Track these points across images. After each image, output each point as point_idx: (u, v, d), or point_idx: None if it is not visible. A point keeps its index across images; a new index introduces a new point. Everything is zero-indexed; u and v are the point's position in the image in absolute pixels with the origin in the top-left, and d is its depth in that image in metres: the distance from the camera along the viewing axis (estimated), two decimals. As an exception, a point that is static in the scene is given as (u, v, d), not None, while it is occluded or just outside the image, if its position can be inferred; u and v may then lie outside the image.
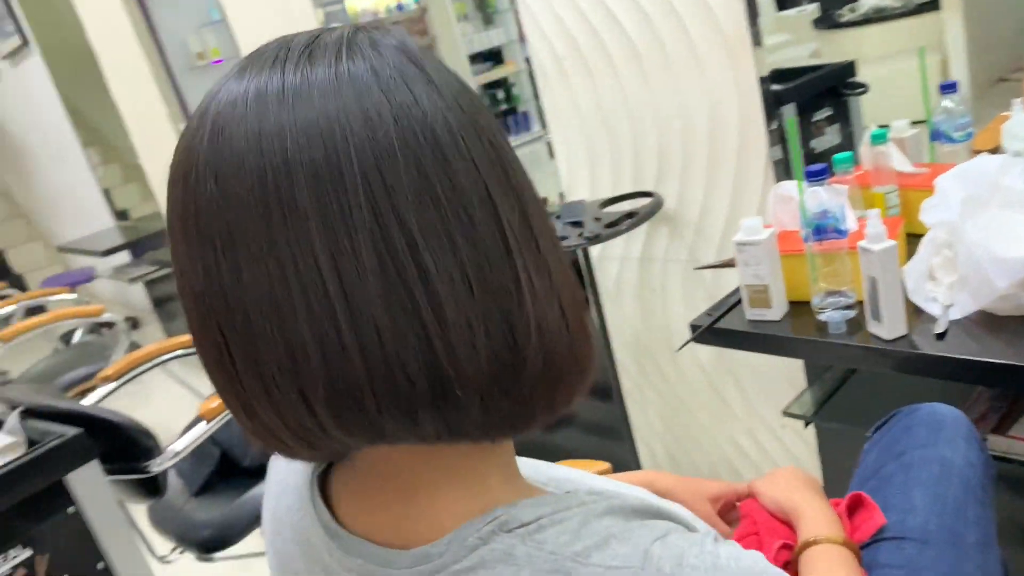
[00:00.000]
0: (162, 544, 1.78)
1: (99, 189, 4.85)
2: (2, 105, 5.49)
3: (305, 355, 0.40)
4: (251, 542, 1.73)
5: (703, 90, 1.59)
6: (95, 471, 1.44)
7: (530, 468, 0.60)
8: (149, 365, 2.14)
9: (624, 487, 0.63)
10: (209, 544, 1.69)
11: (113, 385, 2.04)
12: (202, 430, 1.61)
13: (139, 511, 1.86)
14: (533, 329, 0.43)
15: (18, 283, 5.67)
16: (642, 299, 1.93)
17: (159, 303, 4.79)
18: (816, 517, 0.74)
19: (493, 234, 0.42)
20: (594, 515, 0.44)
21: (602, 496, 0.46)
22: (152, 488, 1.66)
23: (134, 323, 5.26)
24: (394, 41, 0.44)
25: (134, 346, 2.98)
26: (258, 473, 1.77)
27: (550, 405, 0.46)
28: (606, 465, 1.00)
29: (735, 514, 0.86)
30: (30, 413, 1.57)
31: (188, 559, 1.72)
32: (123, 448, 1.59)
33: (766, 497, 0.80)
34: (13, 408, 1.68)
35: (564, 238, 1.65)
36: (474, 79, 3.07)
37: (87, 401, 1.93)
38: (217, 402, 1.63)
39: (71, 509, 1.43)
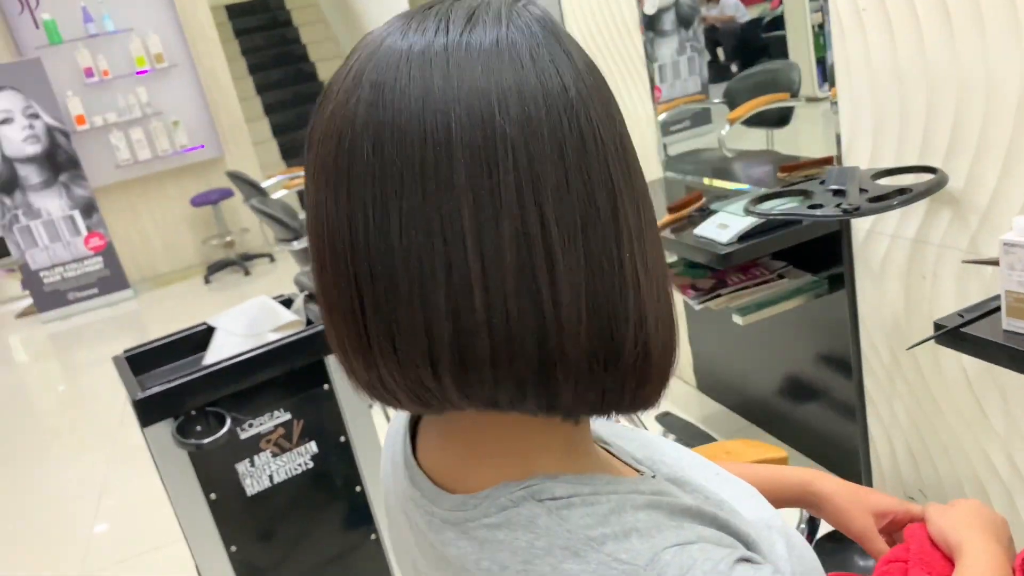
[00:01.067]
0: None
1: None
2: None
3: (440, 323, 0.42)
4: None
5: (1021, 60, 1.37)
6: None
7: (637, 443, 0.60)
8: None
9: (729, 486, 0.60)
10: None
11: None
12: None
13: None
14: (633, 323, 0.44)
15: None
16: (908, 284, 1.75)
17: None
18: (978, 560, 0.66)
19: (613, 227, 0.43)
20: (631, 505, 0.44)
21: (664, 492, 0.46)
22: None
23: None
24: (539, 11, 0.45)
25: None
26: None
27: (637, 395, 0.46)
28: (781, 453, 0.96)
29: (901, 535, 0.79)
30: (313, 298, 1.83)
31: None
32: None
33: (934, 526, 0.73)
34: (302, 291, 1.96)
35: (818, 206, 1.53)
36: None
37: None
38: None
39: (326, 386, 1.66)
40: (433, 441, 0.53)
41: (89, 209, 5.90)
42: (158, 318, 5.51)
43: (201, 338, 1.78)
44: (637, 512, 0.44)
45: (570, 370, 0.43)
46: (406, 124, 0.41)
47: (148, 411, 1.48)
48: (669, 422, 2.61)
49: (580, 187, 0.42)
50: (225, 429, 1.50)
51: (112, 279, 6.01)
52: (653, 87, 2.59)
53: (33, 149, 5.74)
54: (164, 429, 1.49)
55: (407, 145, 0.41)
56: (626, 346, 0.44)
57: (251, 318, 1.78)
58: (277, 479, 1.63)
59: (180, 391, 1.50)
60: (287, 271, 5.80)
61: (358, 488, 1.72)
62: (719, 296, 1.95)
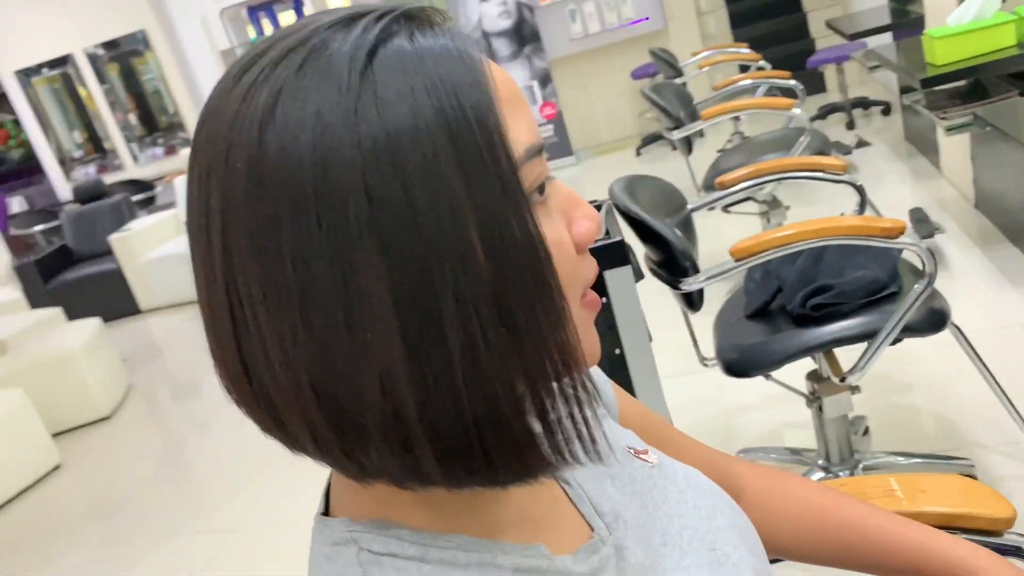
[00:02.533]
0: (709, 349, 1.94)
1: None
2: None
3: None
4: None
5: None
6: (626, 274, 1.65)
7: (635, 488, 0.58)
8: (765, 179, 2.19)
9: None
10: (732, 367, 1.79)
11: (728, 192, 2.17)
12: (729, 265, 1.64)
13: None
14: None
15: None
16: None
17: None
18: None
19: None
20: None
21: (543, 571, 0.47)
22: (688, 301, 1.80)
23: (885, 109, 5.11)
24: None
25: (821, 143, 2.98)
26: (803, 322, 1.74)
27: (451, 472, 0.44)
28: (1005, 512, 0.75)
29: None
30: (620, 211, 1.83)
31: (717, 371, 1.86)
32: (670, 261, 1.74)
33: None
34: (598, 207, 1.96)
35: None
36: None
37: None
38: (750, 242, 1.62)
39: (604, 299, 1.68)
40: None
41: (545, 80, 6.45)
42: (593, 184, 5.93)
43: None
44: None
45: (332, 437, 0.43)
46: None
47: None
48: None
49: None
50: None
51: (560, 145, 6.57)
52: None
53: (505, 23, 6.40)
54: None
55: None
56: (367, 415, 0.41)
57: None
58: (553, 377, 1.73)
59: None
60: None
61: (630, 401, 1.74)
62: None
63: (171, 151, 7.99)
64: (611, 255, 1.64)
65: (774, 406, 2.46)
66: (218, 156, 0.40)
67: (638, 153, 6.19)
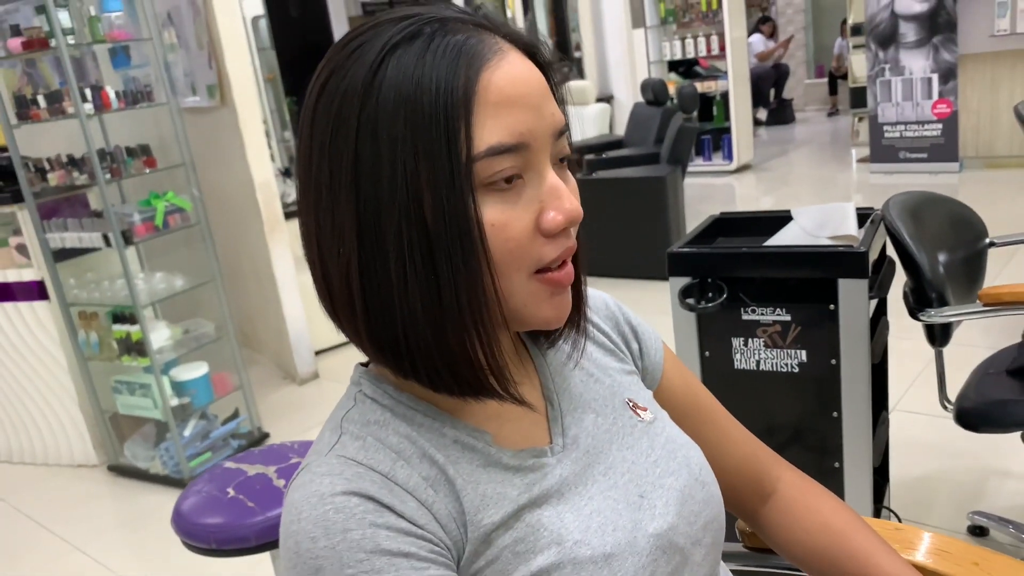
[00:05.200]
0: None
1: None
2: None
3: None
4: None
5: None
6: (860, 287, 1.62)
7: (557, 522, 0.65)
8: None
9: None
10: (964, 416, 1.68)
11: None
12: (975, 308, 1.53)
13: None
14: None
15: None
16: None
17: None
18: None
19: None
20: (386, 424, 0.63)
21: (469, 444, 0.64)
22: (930, 334, 1.70)
23: None
24: None
25: None
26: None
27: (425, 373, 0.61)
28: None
29: None
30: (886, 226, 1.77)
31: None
32: (919, 289, 1.66)
33: None
34: (864, 217, 1.89)
35: None
36: None
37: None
38: (1003, 290, 1.48)
39: (832, 306, 1.67)
40: None
41: (947, 75, 5.84)
42: (974, 198, 5.32)
43: (783, 221, 1.93)
44: (370, 426, 0.63)
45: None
46: None
47: (673, 262, 1.79)
48: None
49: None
50: (719, 301, 1.72)
51: (943, 148, 5.96)
52: None
53: (920, 7, 5.86)
54: (680, 283, 1.79)
55: None
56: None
57: (823, 219, 1.84)
58: (763, 367, 1.77)
59: (698, 257, 1.76)
60: None
61: (835, 414, 1.72)
62: None
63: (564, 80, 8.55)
64: (848, 264, 1.63)
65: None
66: (308, 94, 0.61)
67: (1036, 176, 5.39)
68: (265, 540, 1.59)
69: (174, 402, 2.89)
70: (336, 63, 0.59)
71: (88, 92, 2.62)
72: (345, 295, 0.59)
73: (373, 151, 0.56)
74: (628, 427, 0.73)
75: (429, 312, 0.57)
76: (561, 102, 0.64)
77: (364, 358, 0.67)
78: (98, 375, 3.01)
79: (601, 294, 0.84)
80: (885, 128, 6.21)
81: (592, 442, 0.70)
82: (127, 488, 3.01)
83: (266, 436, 3.18)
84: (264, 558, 1.80)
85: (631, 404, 0.75)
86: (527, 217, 0.59)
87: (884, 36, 6.05)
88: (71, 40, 2.59)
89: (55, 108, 2.62)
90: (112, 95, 2.69)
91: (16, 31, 2.57)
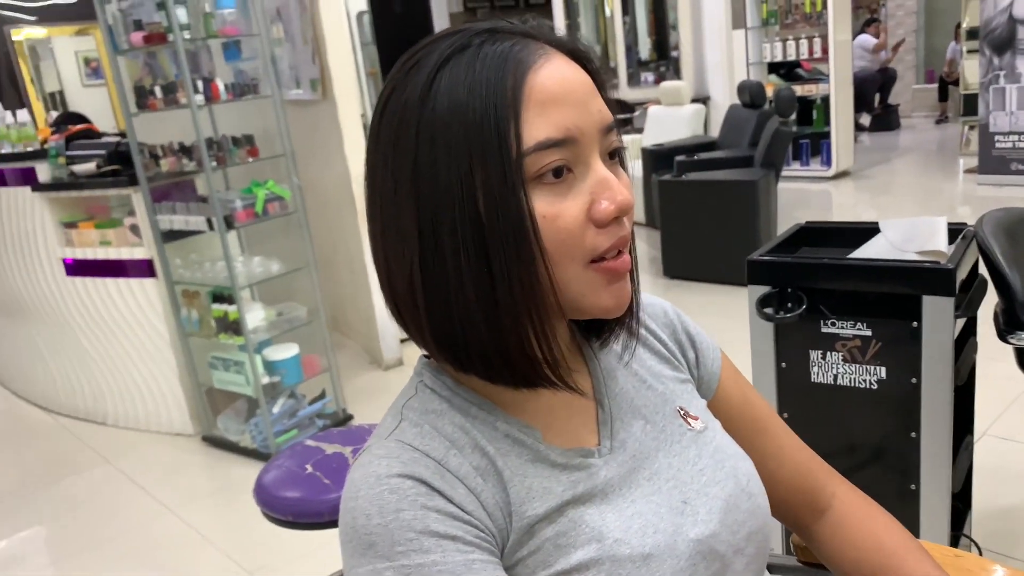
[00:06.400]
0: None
1: None
2: None
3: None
4: None
5: None
6: (946, 305, 1.58)
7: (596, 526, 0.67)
8: None
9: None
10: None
11: None
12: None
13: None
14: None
15: None
16: None
17: None
18: None
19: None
20: (444, 415, 0.67)
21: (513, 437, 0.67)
22: (1020, 358, 1.64)
23: None
24: None
25: None
26: None
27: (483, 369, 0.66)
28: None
29: None
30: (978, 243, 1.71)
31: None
32: (1010, 310, 1.61)
33: None
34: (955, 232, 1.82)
35: None
36: None
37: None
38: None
39: (915, 323, 1.64)
40: None
41: (1068, 84, 5.52)
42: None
43: (870, 233, 1.90)
44: (428, 415, 0.67)
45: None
46: None
47: (753, 270, 1.78)
48: None
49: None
50: (798, 312, 1.70)
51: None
52: None
53: (1041, 11, 5.57)
54: (759, 291, 1.78)
55: None
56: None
57: (912, 233, 1.79)
58: (840, 381, 1.75)
59: (779, 267, 1.74)
60: None
61: (913, 434, 1.68)
62: None
63: (659, 80, 8.50)
64: (934, 281, 1.59)
65: None
66: (375, 112, 0.66)
67: None
68: (337, 516, 1.67)
69: (265, 380, 3.04)
70: (397, 80, 0.63)
71: (200, 84, 2.78)
72: (408, 294, 0.63)
73: (431, 156, 0.59)
74: (677, 435, 0.75)
75: (483, 303, 0.60)
76: (608, 102, 0.66)
77: None
78: (197, 350, 3.20)
79: (661, 301, 0.86)
80: (996, 138, 5.92)
81: (639, 447, 0.72)
82: (218, 458, 3.19)
83: (350, 417, 3.30)
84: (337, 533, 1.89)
85: (682, 412, 0.77)
86: (577, 207, 0.61)
87: (1000, 41, 5.77)
88: (187, 35, 2.75)
89: (170, 98, 2.80)
90: (221, 87, 2.84)
91: (139, 25, 2.75)
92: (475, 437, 0.66)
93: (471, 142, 0.59)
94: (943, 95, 9.73)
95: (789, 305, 1.76)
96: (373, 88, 5.62)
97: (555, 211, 0.61)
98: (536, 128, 0.60)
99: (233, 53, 3.24)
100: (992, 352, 1.98)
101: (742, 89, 5.78)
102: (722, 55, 7.56)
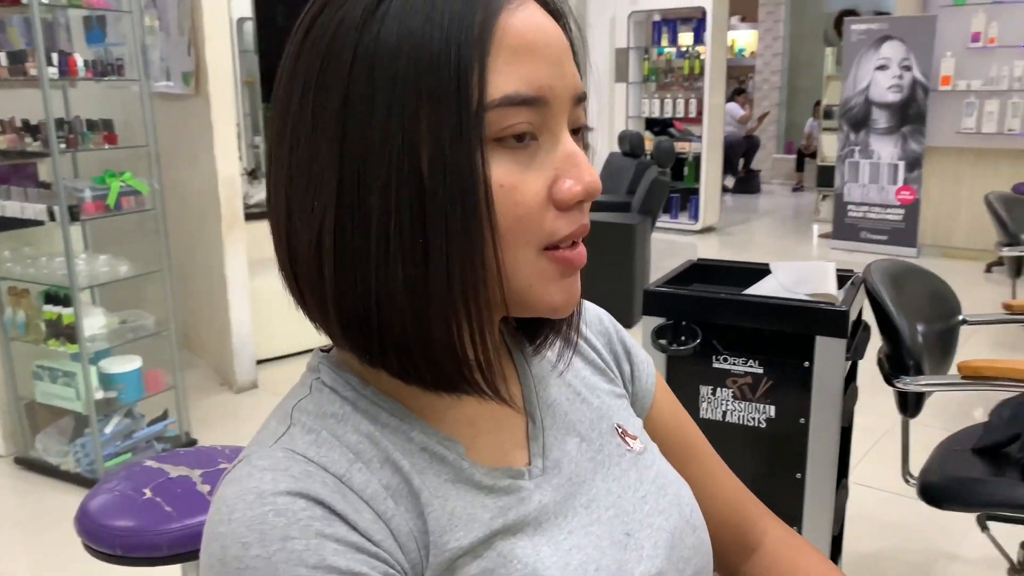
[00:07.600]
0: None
1: None
2: None
3: None
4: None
5: None
6: (838, 346, 1.57)
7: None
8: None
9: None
10: (928, 491, 1.63)
11: (1009, 317, 1.94)
12: (953, 380, 1.49)
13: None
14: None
15: None
16: None
17: None
18: None
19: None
20: (345, 419, 0.53)
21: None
22: (902, 404, 1.66)
23: None
24: None
25: None
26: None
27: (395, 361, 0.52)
28: None
29: None
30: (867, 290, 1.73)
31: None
32: (896, 356, 1.62)
33: None
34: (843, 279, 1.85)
35: None
36: None
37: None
38: (982, 364, 1.45)
39: (807, 363, 1.62)
40: None
41: (913, 164, 6.00)
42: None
43: (760, 274, 1.89)
44: (325, 419, 0.53)
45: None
46: None
47: (649, 302, 1.73)
48: None
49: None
50: (692, 344, 1.65)
51: (903, 233, 6.09)
52: None
53: (893, 97, 6.04)
54: (654, 323, 1.72)
55: None
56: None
57: (803, 275, 1.79)
58: (730, 419, 1.71)
59: (676, 299, 1.69)
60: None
61: (798, 475, 1.66)
62: None
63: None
64: (828, 322, 1.58)
65: (975, 562, 2.15)
66: (295, 30, 0.52)
67: (988, 270, 5.52)
68: (178, 551, 1.44)
69: (99, 395, 2.71)
70: None
71: (55, 57, 2.49)
72: (313, 259, 0.50)
73: (367, 90, 0.47)
74: (616, 456, 0.64)
75: (411, 283, 0.48)
76: (581, 72, 0.55)
77: (310, 361, 0.58)
78: (20, 357, 2.83)
79: (595, 307, 0.76)
80: (849, 207, 6.32)
81: (575, 469, 0.61)
82: (32, 483, 2.80)
83: (194, 442, 3.00)
84: (175, 570, 1.65)
85: (620, 430, 0.67)
86: (539, 183, 0.51)
87: (857, 119, 6.20)
88: (45, 0, 2.46)
89: (17, 68, 2.48)
90: (80, 63, 2.56)
91: (-14, -15, 2.44)
92: (386, 448, 0.53)
93: (421, 81, 0.47)
94: (800, 165, 10.39)
95: (683, 338, 1.71)
96: (247, 98, 5.33)
97: (514, 182, 0.49)
98: (504, 79, 0.48)
99: (97, 35, 2.96)
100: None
101: (623, 139, 5.92)
102: (604, 106, 7.76)
